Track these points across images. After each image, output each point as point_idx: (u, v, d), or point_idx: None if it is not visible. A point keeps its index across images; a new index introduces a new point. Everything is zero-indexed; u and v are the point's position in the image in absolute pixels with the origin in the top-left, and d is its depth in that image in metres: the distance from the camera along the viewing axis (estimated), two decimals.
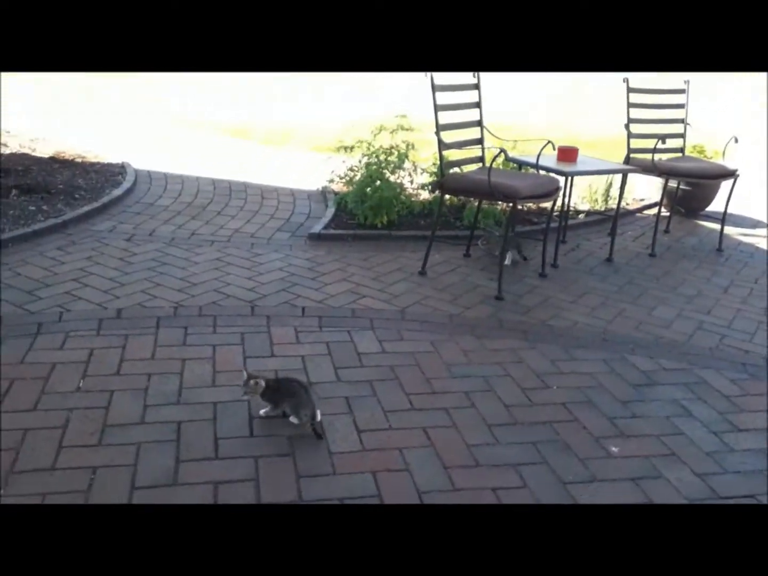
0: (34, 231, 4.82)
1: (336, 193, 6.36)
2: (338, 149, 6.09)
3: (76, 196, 5.72)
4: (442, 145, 4.63)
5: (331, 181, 6.46)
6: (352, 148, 6.03)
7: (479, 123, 5.04)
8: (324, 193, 6.41)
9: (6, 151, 6.94)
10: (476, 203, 5.39)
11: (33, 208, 5.30)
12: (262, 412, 2.94)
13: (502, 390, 3.27)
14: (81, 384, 3.06)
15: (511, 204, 4.46)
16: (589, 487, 2.62)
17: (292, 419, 2.88)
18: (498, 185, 4.33)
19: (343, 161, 6.12)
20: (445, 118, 4.62)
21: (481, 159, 5.05)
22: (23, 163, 6.50)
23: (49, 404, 2.89)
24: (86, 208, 5.38)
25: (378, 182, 5.76)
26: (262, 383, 2.88)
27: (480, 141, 5.03)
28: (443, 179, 4.66)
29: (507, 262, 4.85)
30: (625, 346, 3.81)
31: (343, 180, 6.28)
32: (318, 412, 2.89)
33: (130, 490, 2.44)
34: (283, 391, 2.91)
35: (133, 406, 2.91)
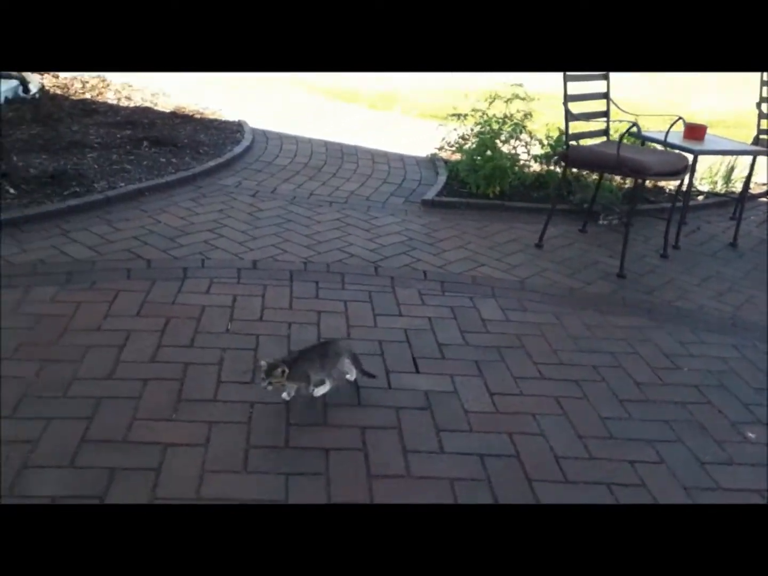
0: (167, 182, 5.10)
1: (446, 161, 6.40)
2: (451, 117, 6.10)
3: (201, 151, 5.98)
4: (569, 116, 4.58)
5: (441, 148, 6.49)
6: (465, 116, 6.03)
7: (605, 95, 4.94)
8: (433, 160, 6.45)
9: (131, 104, 7.30)
10: (596, 177, 5.32)
11: (163, 160, 5.58)
12: (285, 395, 2.76)
13: (632, 367, 3.28)
14: (230, 326, 3.28)
15: (640, 180, 4.39)
16: (727, 470, 2.63)
17: (325, 386, 2.77)
18: (626, 160, 4.25)
19: (454, 129, 6.14)
20: (571, 89, 4.56)
21: (605, 132, 4.96)
22: (148, 116, 6.81)
23: (204, 342, 3.12)
24: (212, 163, 5.62)
25: (489, 152, 5.76)
26: (286, 369, 2.65)
27: (605, 114, 4.94)
28: (568, 151, 4.61)
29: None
30: (754, 333, 3.73)
31: (453, 148, 6.30)
32: (345, 361, 2.82)
33: (285, 428, 2.63)
34: (303, 363, 2.73)
35: (278, 351, 3.10)
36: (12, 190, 4.51)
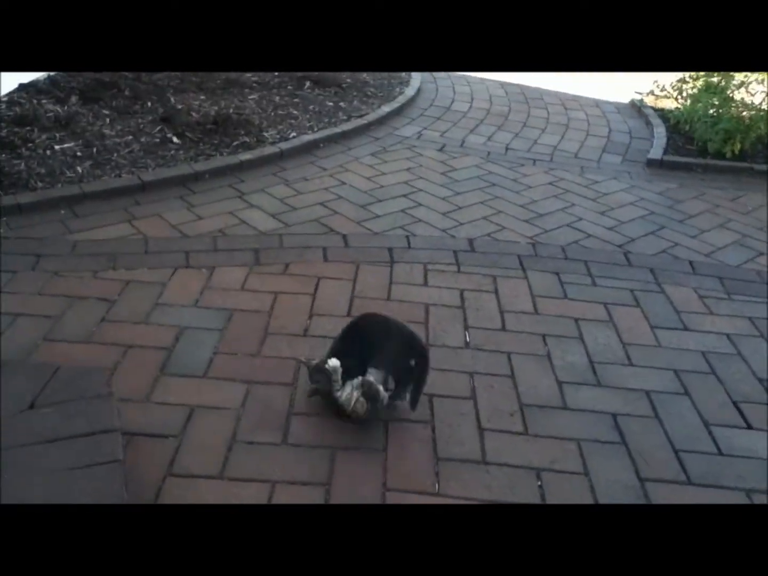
0: (343, 132, 4.32)
1: (654, 109, 5.27)
2: None
3: (368, 93, 5.15)
4: None
5: (650, 93, 5.35)
6: None
7: None
8: (639, 107, 5.33)
9: None
10: None
11: (330, 104, 4.80)
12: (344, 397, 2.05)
13: None
14: (468, 337, 2.51)
15: None
16: None
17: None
18: None
19: None
20: None
21: None
22: None
23: (442, 361, 2.36)
24: (386, 109, 4.78)
25: (715, 100, 4.61)
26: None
27: None
28: None
29: None
30: None
31: (667, 92, 5.15)
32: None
33: None
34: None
35: (543, 381, 2.31)
36: (175, 139, 3.88)
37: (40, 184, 3.25)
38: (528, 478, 1.92)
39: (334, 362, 2.03)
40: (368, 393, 1.98)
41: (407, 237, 3.16)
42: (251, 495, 1.79)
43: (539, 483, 1.90)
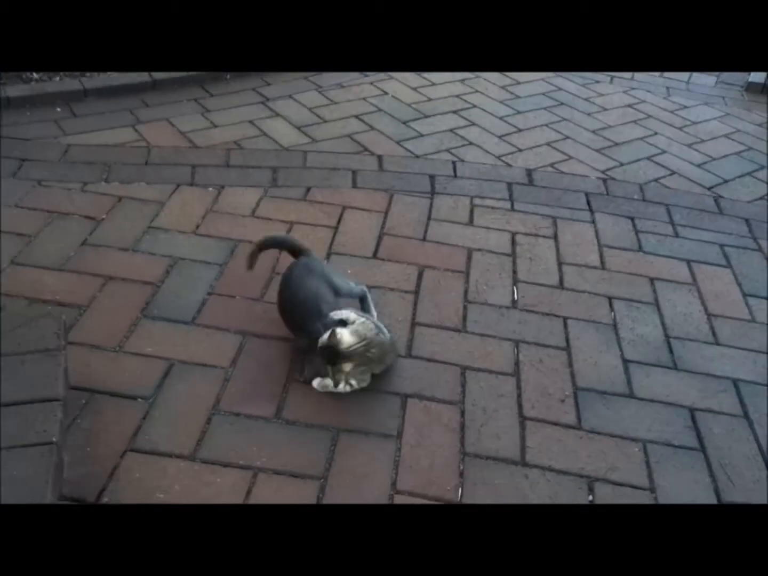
0: None
1: None
2: None
3: None
4: None
5: None
6: None
7: None
8: None
9: None
10: None
11: None
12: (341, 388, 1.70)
13: None
14: (516, 295, 2.07)
15: None
16: None
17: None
18: None
19: None
20: None
21: None
22: None
23: (480, 325, 1.92)
24: None
25: None
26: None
27: None
28: None
29: None
30: None
31: None
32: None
33: None
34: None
35: (605, 358, 1.87)
36: None
37: (35, 76, 2.84)
38: (577, 490, 1.51)
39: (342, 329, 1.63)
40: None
41: (453, 163, 2.67)
42: (227, 485, 1.44)
43: (590, 497, 1.51)
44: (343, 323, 1.64)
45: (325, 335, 1.60)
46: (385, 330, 1.72)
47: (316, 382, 1.67)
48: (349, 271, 2.04)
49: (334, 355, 1.60)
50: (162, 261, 2.03)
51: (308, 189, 2.43)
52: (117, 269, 1.98)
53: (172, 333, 1.79)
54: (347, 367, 1.62)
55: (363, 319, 1.68)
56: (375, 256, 2.14)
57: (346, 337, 1.60)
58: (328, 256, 2.12)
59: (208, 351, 1.75)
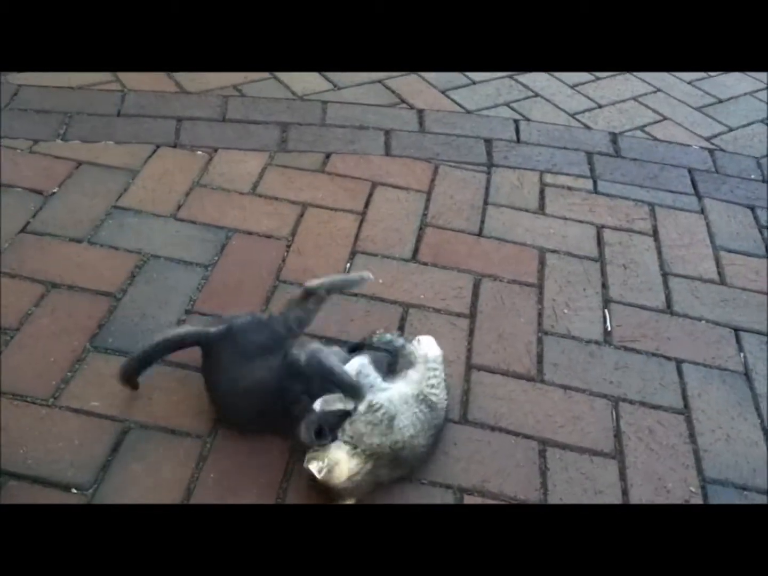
0: None
1: None
2: None
3: None
4: None
5: None
6: None
7: None
8: None
9: None
10: None
11: None
12: None
13: None
14: (609, 323, 1.51)
15: None
16: None
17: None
18: None
19: None
20: None
21: None
22: None
23: (576, 375, 1.42)
24: None
25: None
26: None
27: None
28: None
29: None
30: None
31: None
32: None
33: None
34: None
35: (747, 433, 1.29)
36: None
37: None
38: None
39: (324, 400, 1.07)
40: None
41: (516, 122, 2.07)
42: None
43: None
44: (344, 417, 1.04)
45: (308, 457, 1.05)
46: (439, 401, 1.15)
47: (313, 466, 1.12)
48: (380, 281, 1.50)
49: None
50: (126, 259, 1.49)
51: (327, 156, 1.85)
52: (63, 271, 1.44)
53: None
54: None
55: (386, 400, 1.07)
56: (414, 257, 1.59)
57: (343, 464, 1.02)
58: (353, 255, 1.58)
59: (177, 408, 1.24)
